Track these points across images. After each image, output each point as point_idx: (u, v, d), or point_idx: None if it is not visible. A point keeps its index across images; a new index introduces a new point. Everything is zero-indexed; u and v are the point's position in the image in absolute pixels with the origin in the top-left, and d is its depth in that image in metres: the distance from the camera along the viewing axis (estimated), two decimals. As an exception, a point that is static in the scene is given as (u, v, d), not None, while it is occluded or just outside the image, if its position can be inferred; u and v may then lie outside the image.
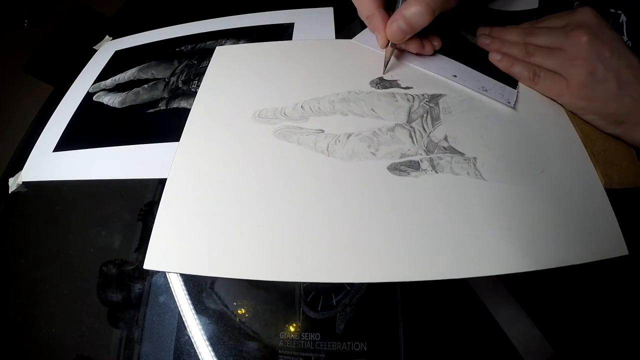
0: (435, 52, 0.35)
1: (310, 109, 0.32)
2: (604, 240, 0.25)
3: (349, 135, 0.30)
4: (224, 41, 0.41)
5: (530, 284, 0.27)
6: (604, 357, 0.25)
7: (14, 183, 0.35)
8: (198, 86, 0.37)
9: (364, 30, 0.37)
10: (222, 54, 0.39)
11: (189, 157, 0.31)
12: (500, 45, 0.34)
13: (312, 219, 0.26)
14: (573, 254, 0.24)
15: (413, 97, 0.32)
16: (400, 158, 0.28)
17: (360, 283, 0.26)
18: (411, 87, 0.33)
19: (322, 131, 0.30)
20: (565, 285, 0.26)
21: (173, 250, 0.26)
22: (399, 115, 0.31)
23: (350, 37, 0.37)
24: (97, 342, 0.27)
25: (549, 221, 0.26)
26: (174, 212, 0.28)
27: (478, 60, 0.34)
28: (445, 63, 0.34)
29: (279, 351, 0.25)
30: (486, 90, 0.32)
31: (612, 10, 0.36)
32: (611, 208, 0.26)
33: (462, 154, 0.28)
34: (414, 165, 0.28)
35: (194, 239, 0.26)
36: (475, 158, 0.28)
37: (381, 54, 0.34)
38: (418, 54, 0.34)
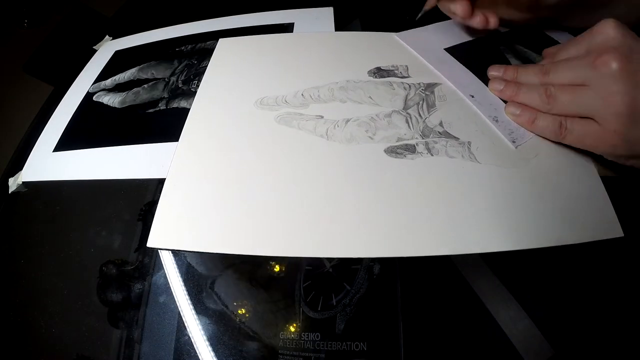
0: (461, 64, 0.34)
1: (310, 96, 0.33)
2: (598, 221, 0.26)
3: (348, 120, 0.31)
4: (224, 41, 0.41)
5: (530, 284, 0.27)
6: (604, 357, 0.25)
7: (14, 183, 0.35)
8: (198, 86, 0.37)
9: (411, 30, 0.38)
10: (225, 45, 0.40)
11: (194, 140, 0.32)
12: (515, 92, 0.29)
13: (314, 198, 0.27)
14: (568, 234, 0.25)
15: (409, 86, 0.33)
16: (397, 142, 0.29)
17: (361, 283, 0.26)
18: (408, 77, 0.34)
19: (322, 117, 0.31)
20: (565, 286, 0.26)
21: (177, 228, 0.27)
22: (395, 102, 0.32)
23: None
24: (97, 342, 0.27)
25: (543, 202, 0.26)
26: (179, 191, 0.28)
27: None
28: (467, 78, 0.34)
29: (279, 351, 0.25)
30: (497, 121, 0.30)
31: None
32: (605, 190, 0.27)
33: (456, 139, 0.29)
34: (410, 149, 0.29)
35: (199, 216, 0.27)
36: (469, 142, 0.29)
37: (392, 49, 0.35)
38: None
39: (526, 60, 0.35)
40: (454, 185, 0.27)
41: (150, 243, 0.26)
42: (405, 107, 0.31)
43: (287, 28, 0.40)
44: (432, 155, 0.28)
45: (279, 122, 0.32)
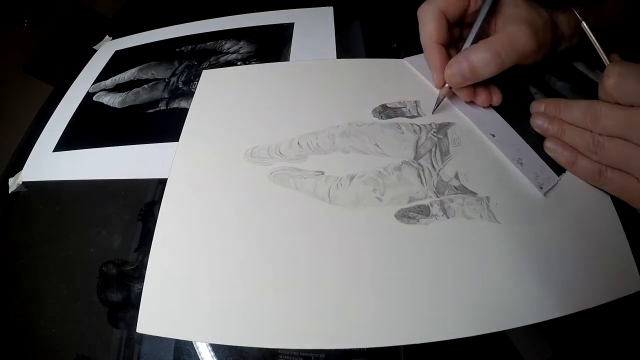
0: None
1: (308, 145, 0.29)
2: (620, 275, 0.24)
3: (352, 177, 0.27)
4: (224, 42, 0.41)
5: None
6: (603, 357, 0.25)
7: (14, 183, 0.35)
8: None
9: (422, 54, 0.33)
10: (210, 77, 0.35)
11: (175, 206, 0.28)
12: (560, 131, 0.27)
13: (314, 278, 0.24)
14: (592, 296, 0.23)
15: (420, 128, 0.29)
16: (408, 202, 0.26)
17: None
18: (417, 116, 0.30)
19: (322, 173, 0.28)
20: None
21: (165, 314, 0.24)
22: (405, 150, 0.28)
23: (349, 41, 0.37)
24: (97, 342, 0.27)
25: (565, 263, 0.24)
26: (164, 274, 0.25)
27: (523, 119, 0.29)
28: (487, 114, 0.30)
29: (279, 350, 0.25)
30: (521, 164, 0.27)
31: None
32: (627, 241, 0.25)
33: (474, 194, 0.26)
34: (424, 211, 0.26)
35: (186, 301, 0.24)
36: (488, 198, 0.26)
37: (401, 79, 0.32)
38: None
39: (553, 93, 0.33)
40: (473, 254, 0.24)
41: (140, 329, 0.24)
42: (417, 157, 0.28)
43: (287, 28, 0.40)
44: (447, 217, 0.25)
45: (273, 181, 0.28)
